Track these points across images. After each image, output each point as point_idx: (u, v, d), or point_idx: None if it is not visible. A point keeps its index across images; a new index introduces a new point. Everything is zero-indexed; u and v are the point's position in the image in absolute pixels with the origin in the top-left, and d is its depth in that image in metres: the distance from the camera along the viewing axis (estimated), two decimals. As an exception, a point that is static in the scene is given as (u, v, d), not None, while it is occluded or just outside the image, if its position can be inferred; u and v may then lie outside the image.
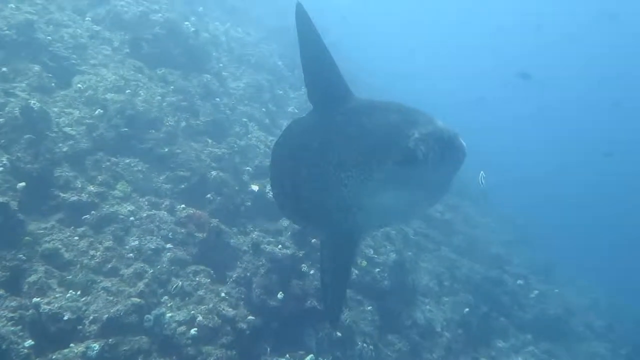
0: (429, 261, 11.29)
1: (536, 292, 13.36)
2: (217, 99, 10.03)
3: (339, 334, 7.53)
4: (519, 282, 13.52)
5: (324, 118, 3.63)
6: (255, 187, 8.78)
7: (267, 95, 13.34)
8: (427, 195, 3.72)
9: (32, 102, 7.01)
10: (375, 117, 3.57)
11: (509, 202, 25.41)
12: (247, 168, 9.28)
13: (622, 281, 23.12)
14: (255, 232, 8.15)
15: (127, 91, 8.40)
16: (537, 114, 51.47)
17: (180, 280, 6.51)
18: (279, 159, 3.62)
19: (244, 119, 10.52)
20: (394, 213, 3.68)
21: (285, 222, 8.52)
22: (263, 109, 12.28)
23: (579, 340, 12.94)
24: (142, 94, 8.57)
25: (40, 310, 5.23)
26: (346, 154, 3.44)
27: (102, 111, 7.78)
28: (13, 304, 5.15)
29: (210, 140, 8.93)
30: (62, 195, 6.58)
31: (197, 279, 6.68)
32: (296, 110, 14.02)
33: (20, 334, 4.96)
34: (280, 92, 14.66)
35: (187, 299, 6.38)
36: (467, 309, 10.45)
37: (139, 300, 5.84)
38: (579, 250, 25.78)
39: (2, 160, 6.30)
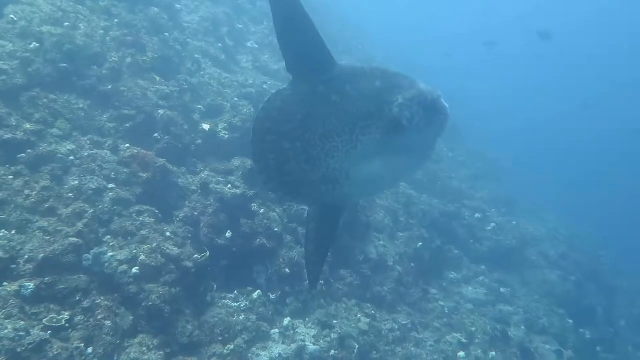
0: (385, 198, 11.42)
1: (493, 224, 13.76)
2: (167, 34, 9.61)
3: (287, 270, 7.65)
4: (477, 215, 13.90)
5: (306, 88, 3.43)
6: (206, 126, 8.61)
7: (225, 30, 12.84)
8: (414, 161, 3.66)
9: (-42, 33, 6.57)
10: (358, 84, 3.39)
11: (483, 136, 25.74)
12: (199, 107, 9.05)
13: (587, 213, 24.07)
14: (206, 172, 8.06)
15: (66, 24, 7.94)
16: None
17: (123, 220, 6.43)
18: (260, 134, 3.44)
19: (197, 55, 10.15)
20: (381, 181, 3.63)
21: (237, 162, 8.46)
22: (219, 44, 11.85)
23: (532, 269, 13.49)
24: (82, 27, 8.12)
25: (-29, 250, 5.11)
26: (330, 125, 3.31)
27: (37, 45, 7.37)
28: (-59, 243, 5.00)
29: (158, 78, 8.62)
30: (-5, 132, 6.31)
31: (141, 219, 6.62)
32: (256, 45, 13.61)
33: (-50, 273, 4.86)
34: (240, 26, 14.14)
35: (129, 238, 6.33)
36: (420, 243, 10.73)
37: (77, 239, 5.77)
38: (547, 184, 26.58)
39: None
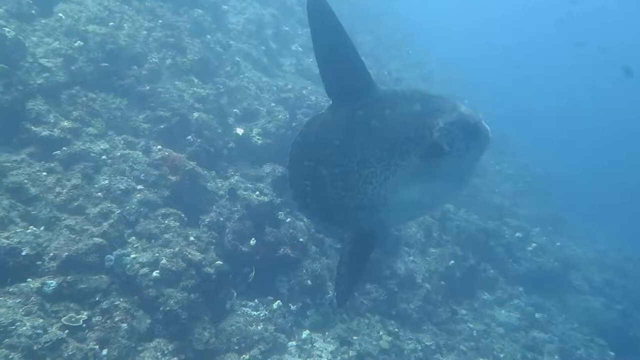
0: (421, 212, 11.14)
1: (534, 244, 13.24)
2: (208, 36, 9.69)
3: (309, 282, 7.57)
4: (518, 234, 13.40)
5: (345, 113, 3.39)
6: (240, 131, 8.63)
7: (270, 32, 12.87)
8: (454, 185, 3.57)
9: (7, 29, 6.79)
10: (398, 108, 3.33)
11: (535, 149, 24.86)
12: (235, 110, 9.08)
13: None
14: (235, 177, 8.07)
15: (111, 23, 8.13)
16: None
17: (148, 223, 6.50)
18: (297, 159, 3.42)
19: (237, 58, 10.20)
20: (419, 207, 3.59)
21: (267, 169, 8.43)
22: (262, 47, 11.88)
23: (574, 294, 12.90)
24: (126, 27, 8.29)
25: (0, 244, 5.26)
26: (369, 150, 3.27)
27: (82, 43, 7.56)
28: (-28, 236, 5.17)
29: (196, 80, 8.70)
30: (33, 128, 6.49)
31: (166, 222, 6.67)
32: (300, 49, 13.57)
33: (-23, 266, 5.01)
34: (286, 28, 14.13)
35: (153, 241, 6.39)
36: (452, 261, 10.43)
37: (101, 240, 5.85)
38: (604, 201, 25.28)
39: (-27, 90, 6.18)
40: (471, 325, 9.82)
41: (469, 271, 10.53)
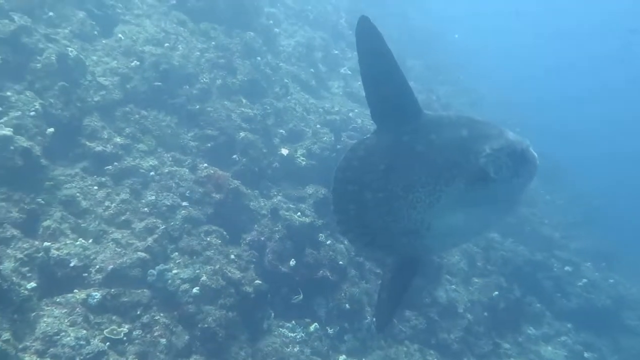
0: (464, 240, 10.89)
1: (585, 280, 12.62)
2: (259, 58, 9.90)
3: (347, 306, 7.49)
4: (567, 268, 12.80)
5: (390, 138, 3.41)
6: (284, 151, 8.72)
7: (319, 55, 13.05)
8: (499, 212, 3.57)
9: (70, 49, 7.18)
10: (444, 134, 3.32)
11: (589, 180, 23.85)
12: (281, 131, 9.20)
13: None
14: (278, 197, 8.14)
15: (166, 44, 8.45)
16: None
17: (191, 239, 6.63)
18: (341, 183, 3.46)
19: (286, 80, 10.36)
20: (463, 233, 3.58)
21: (310, 190, 8.45)
22: (311, 69, 12.05)
23: (628, 335, 12.16)
24: (180, 48, 8.59)
25: (50, 255, 5.50)
26: (414, 176, 3.27)
27: (138, 63, 7.89)
28: (25, 245, 5.41)
29: (244, 100, 8.89)
30: (88, 144, 6.79)
31: (208, 239, 6.78)
32: (349, 72, 13.67)
33: (28, 275, 5.24)
34: (336, 51, 14.29)
35: (194, 257, 6.50)
36: (496, 292, 10.09)
37: (145, 254, 6.01)
38: None
39: (35, 105, 6.51)
40: (514, 360, 9.45)
41: (514, 304, 10.15)
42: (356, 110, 11.01)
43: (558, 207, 18.17)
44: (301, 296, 7.16)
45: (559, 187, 20.09)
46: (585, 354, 10.58)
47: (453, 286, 9.49)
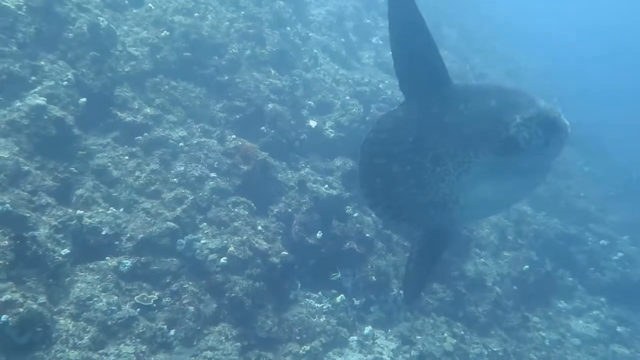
0: (496, 213, 10.73)
1: (620, 254, 12.29)
2: (288, 28, 9.78)
3: (374, 278, 7.51)
4: (602, 242, 12.48)
5: (418, 109, 3.37)
6: (313, 123, 8.66)
7: (350, 24, 12.82)
8: (529, 183, 3.50)
9: (101, 19, 7.21)
10: (473, 104, 3.26)
11: (631, 151, 23.04)
12: (309, 102, 9.13)
13: None
14: (306, 169, 8.13)
15: (196, 14, 8.41)
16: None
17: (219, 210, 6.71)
18: (368, 157, 3.44)
19: (315, 50, 10.23)
20: (493, 205, 3.55)
21: (338, 162, 8.43)
22: (342, 39, 11.86)
23: (665, 310, 11.92)
24: (210, 18, 8.55)
25: (83, 223, 5.64)
26: (442, 147, 3.23)
27: (168, 33, 7.89)
28: (59, 213, 5.55)
29: (273, 71, 8.82)
30: (119, 114, 6.88)
31: (236, 210, 6.85)
32: (381, 42, 13.40)
33: (63, 242, 5.40)
34: (368, 20, 14.00)
35: (222, 228, 6.59)
36: (527, 266, 9.94)
37: (174, 224, 6.12)
38: None
39: (68, 75, 6.60)
40: (544, 334, 9.34)
41: (544, 277, 10.01)
42: (387, 82, 10.81)
43: (597, 178, 17.64)
44: (339, 274, 7.25)
45: (599, 158, 19.47)
46: (618, 328, 10.37)
47: (482, 259, 9.40)
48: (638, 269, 12.03)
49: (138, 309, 5.39)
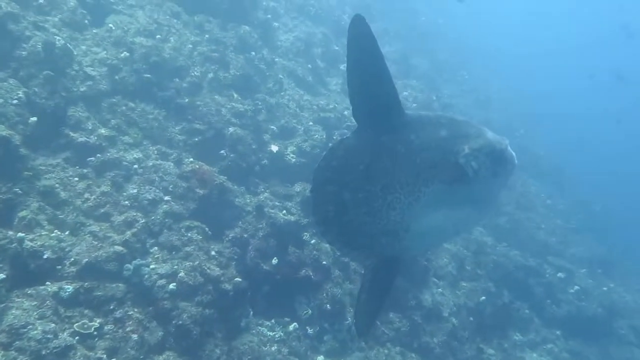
0: (455, 243, 10.79)
1: (577, 287, 12.49)
2: (253, 53, 9.80)
3: (329, 306, 7.42)
4: (560, 274, 12.69)
5: (370, 138, 3.42)
6: (274, 148, 8.63)
7: (318, 50, 12.92)
8: (478, 212, 3.58)
9: (57, 38, 7.11)
10: (423, 133, 3.33)
11: (595, 185, 23.57)
12: (272, 127, 9.11)
13: None
14: (265, 194, 8.06)
15: (158, 36, 8.37)
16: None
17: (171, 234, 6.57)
18: (320, 184, 3.46)
19: (280, 76, 10.25)
20: (443, 233, 3.61)
21: (298, 188, 8.39)
22: (309, 65, 11.92)
23: (618, 345, 12.04)
24: (172, 40, 8.51)
25: (23, 246, 5.44)
26: (393, 176, 3.28)
27: (128, 54, 7.81)
28: (-1, 236, 5.35)
29: (236, 95, 8.80)
30: (71, 134, 6.73)
31: (189, 234, 6.72)
32: (348, 69, 13.48)
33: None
34: (337, 47, 14.11)
35: (173, 253, 6.45)
36: (484, 297, 9.99)
37: (122, 248, 5.96)
38: None
39: (19, 94, 6.45)
40: (499, 367, 9.36)
41: (501, 309, 10.05)
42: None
43: (559, 211, 17.98)
44: (309, 311, 7.23)
45: (562, 191, 19.90)
46: (571, 363, 10.48)
47: (440, 289, 9.40)
48: (593, 302, 12.24)
49: (77, 337, 5.18)
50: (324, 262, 7.61)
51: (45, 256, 5.51)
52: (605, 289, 13.44)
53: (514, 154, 3.44)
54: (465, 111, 17.74)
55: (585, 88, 42.66)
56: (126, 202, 6.54)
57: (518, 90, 28.94)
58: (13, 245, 5.37)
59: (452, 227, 3.50)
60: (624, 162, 35.09)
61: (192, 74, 8.41)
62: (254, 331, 6.86)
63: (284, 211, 7.78)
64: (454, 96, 19.28)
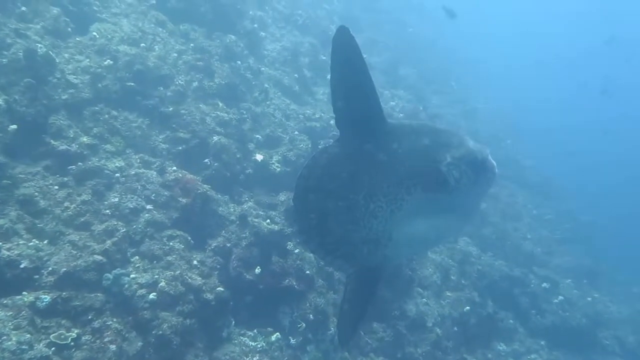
0: (440, 252, 10.80)
1: (561, 297, 12.55)
2: (238, 62, 9.80)
3: (312, 316, 7.38)
4: (544, 285, 12.75)
5: (353, 146, 3.45)
6: (259, 157, 8.62)
7: (305, 60, 12.96)
8: (460, 220, 3.63)
9: (39, 46, 7.06)
10: (406, 142, 3.37)
11: (583, 195, 23.73)
12: (257, 136, 9.10)
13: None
14: (249, 203, 8.03)
15: (142, 45, 8.35)
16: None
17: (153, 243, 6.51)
18: (303, 192, 3.48)
19: (266, 85, 10.26)
20: (425, 242, 3.67)
21: (282, 197, 8.36)
22: (296, 75, 11.95)
23: (602, 355, 12.10)
24: (157, 49, 8.49)
25: (0, 255, 5.35)
26: (375, 184, 3.30)
27: (111, 62, 7.78)
28: (-25, 245, 5.27)
29: (221, 104, 8.79)
30: (52, 142, 6.66)
31: (171, 243, 6.67)
32: (336, 79, 13.53)
33: (-25, 275, 5.11)
34: (324, 57, 14.13)
35: (155, 262, 6.39)
36: (468, 307, 9.99)
37: (101, 258, 5.89)
38: None
39: (-1, 101, 6.40)
40: (482, 377, 9.34)
41: (485, 319, 10.05)
42: (338, 118, 10.88)
43: (545, 221, 18.09)
44: (303, 325, 7.19)
45: (548, 202, 20.03)
46: (555, 374, 10.50)
47: (424, 299, 9.39)
48: (578, 312, 12.30)
49: (53, 348, 5.09)
50: (308, 272, 7.57)
51: (22, 265, 5.43)
52: (590, 299, 13.52)
53: (494, 163, 3.49)
54: (452, 121, 17.88)
55: (572, 99, 43.20)
56: (107, 210, 6.48)
57: (506, 101, 29.23)
58: (-11, 254, 5.28)
59: (434, 235, 3.54)
60: (611, 173, 35.42)
61: (177, 82, 8.39)
62: (235, 341, 6.79)
63: (268, 220, 7.75)
64: (442, 106, 19.41)
